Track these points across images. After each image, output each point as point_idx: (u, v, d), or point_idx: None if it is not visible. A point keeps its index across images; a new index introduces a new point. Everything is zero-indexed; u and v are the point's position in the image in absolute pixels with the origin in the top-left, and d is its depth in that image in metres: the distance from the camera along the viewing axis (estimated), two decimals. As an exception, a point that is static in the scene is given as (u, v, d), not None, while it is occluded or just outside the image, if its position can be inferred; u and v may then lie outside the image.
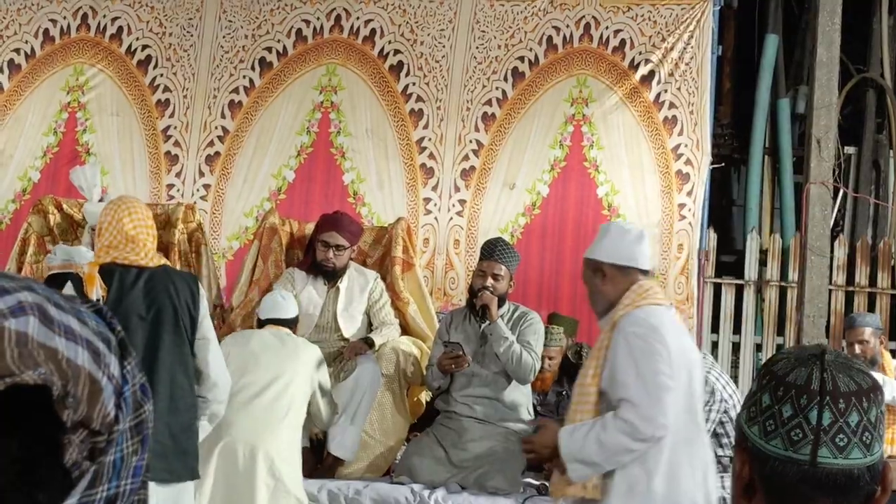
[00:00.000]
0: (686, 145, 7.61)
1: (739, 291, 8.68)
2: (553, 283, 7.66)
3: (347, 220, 6.41)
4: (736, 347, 8.71)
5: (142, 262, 4.29)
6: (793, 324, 8.10)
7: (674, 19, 7.71)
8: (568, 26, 7.82)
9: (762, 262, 8.74)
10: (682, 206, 7.58)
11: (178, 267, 6.09)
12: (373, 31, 7.95)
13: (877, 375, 6.35)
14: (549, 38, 7.82)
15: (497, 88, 7.79)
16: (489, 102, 7.78)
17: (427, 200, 7.70)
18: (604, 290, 3.80)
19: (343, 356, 6.09)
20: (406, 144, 7.78)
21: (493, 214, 7.64)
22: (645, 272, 3.81)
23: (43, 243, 6.33)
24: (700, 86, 7.65)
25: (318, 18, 8.02)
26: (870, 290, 8.66)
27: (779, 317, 8.63)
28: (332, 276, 6.24)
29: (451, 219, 7.66)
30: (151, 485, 3.93)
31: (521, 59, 7.81)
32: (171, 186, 7.89)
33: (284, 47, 8.00)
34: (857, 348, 6.65)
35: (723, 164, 9.23)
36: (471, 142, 7.75)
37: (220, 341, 4.86)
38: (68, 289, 4.21)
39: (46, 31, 8.20)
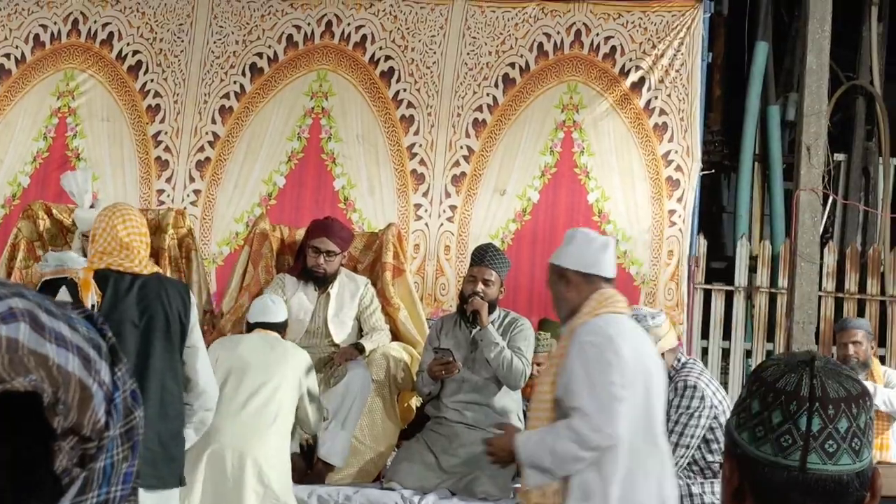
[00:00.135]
0: (676, 152, 7.63)
1: (729, 298, 8.69)
2: (543, 289, 7.63)
3: (338, 225, 6.41)
4: (726, 353, 8.72)
5: (136, 268, 4.32)
6: (782, 330, 8.11)
7: (664, 26, 7.73)
8: (559, 33, 7.83)
9: (752, 269, 8.75)
10: (672, 212, 7.59)
11: (168, 272, 6.09)
12: (364, 37, 7.96)
13: (869, 383, 6.37)
14: (540, 45, 7.83)
15: (488, 95, 7.80)
16: (480, 109, 7.79)
17: (418, 206, 7.70)
18: (567, 297, 3.84)
19: (333, 362, 6.09)
20: (397, 150, 7.78)
21: (484, 220, 7.64)
22: (609, 280, 3.82)
23: (32, 248, 6.32)
24: (690, 92, 7.66)
25: (308, 24, 8.02)
26: (859, 297, 8.68)
27: (768, 323, 8.64)
28: (322, 281, 6.24)
29: (442, 225, 7.67)
30: (139, 491, 3.93)
31: (512, 65, 7.82)
32: (161, 192, 7.88)
33: (275, 53, 8.00)
34: (851, 349, 6.67)
35: (713, 171, 9.25)
36: (461, 148, 7.76)
37: (208, 347, 4.88)
38: (63, 294, 4.22)
39: (37, 36, 8.19)
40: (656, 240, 7.57)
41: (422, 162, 7.76)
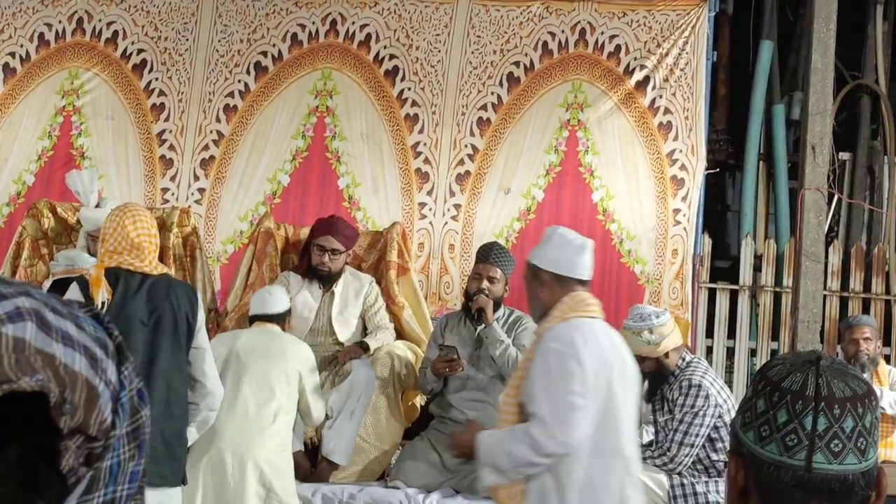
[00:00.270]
0: (681, 151, 7.62)
1: (734, 297, 8.68)
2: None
3: (343, 224, 6.41)
4: (730, 352, 8.71)
5: (145, 268, 4.37)
6: (787, 329, 8.11)
7: (669, 25, 7.72)
8: (563, 31, 7.83)
9: (757, 268, 8.74)
10: (676, 211, 7.59)
11: (172, 270, 6.10)
12: (368, 35, 7.96)
13: (877, 386, 6.36)
14: (545, 44, 7.83)
15: (492, 93, 7.80)
16: (484, 107, 7.79)
17: (422, 205, 7.70)
18: (540, 297, 3.82)
19: (338, 360, 6.09)
20: (401, 149, 7.79)
21: (489, 219, 7.64)
22: (583, 282, 3.80)
23: (37, 247, 6.32)
24: (695, 91, 7.66)
25: (313, 23, 8.02)
26: (864, 296, 8.67)
27: (773, 322, 8.64)
28: (327, 280, 6.24)
29: (446, 223, 7.66)
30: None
31: (517, 64, 7.82)
32: (165, 190, 7.88)
33: (280, 51, 8.00)
34: (862, 345, 6.64)
35: (717, 170, 9.24)
36: (466, 146, 7.75)
37: None
38: (74, 290, 4.27)
39: (42, 34, 8.20)
40: (661, 239, 7.56)
41: (426, 161, 7.76)
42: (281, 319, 5.55)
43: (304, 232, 6.58)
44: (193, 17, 8.08)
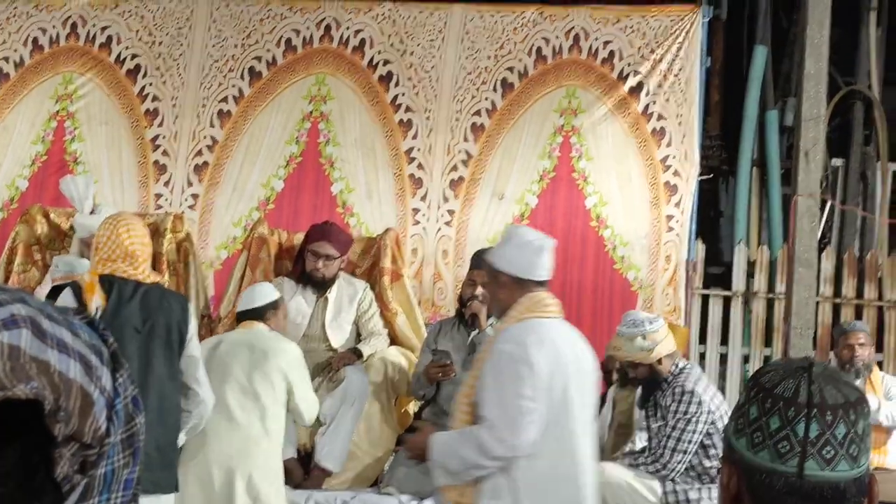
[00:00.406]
0: (674, 157, 7.64)
1: (727, 303, 8.69)
2: (541, 293, 7.66)
3: (337, 230, 6.41)
4: (723, 359, 8.71)
5: (139, 276, 4.40)
6: (780, 335, 8.11)
7: (663, 31, 7.74)
8: (557, 37, 7.84)
9: (750, 274, 8.75)
10: (670, 217, 7.60)
11: (166, 277, 6.11)
12: (362, 41, 7.97)
13: (873, 398, 6.35)
14: (539, 49, 7.84)
15: (486, 99, 7.81)
16: (478, 113, 7.80)
17: (416, 211, 7.70)
18: (499, 297, 3.84)
19: (331, 366, 6.08)
20: (395, 155, 7.79)
21: (482, 225, 7.65)
22: (543, 283, 3.81)
23: (30, 252, 6.31)
24: (689, 97, 7.68)
25: (307, 28, 8.03)
26: (857, 302, 8.68)
27: (766, 328, 8.64)
28: (321, 286, 6.24)
29: (440, 229, 7.67)
30: (137, 495, 3.98)
31: (511, 69, 7.83)
32: (159, 196, 7.88)
33: (274, 57, 8.00)
34: (857, 351, 6.64)
35: (711, 176, 9.25)
36: (460, 152, 7.76)
37: None
38: (67, 296, 4.28)
39: (35, 39, 8.19)
40: (654, 245, 7.57)
41: (420, 166, 7.76)
42: (265, 313, 5.34)
43: (298, 237, 6.58)
44: (188, 23, 8.09)
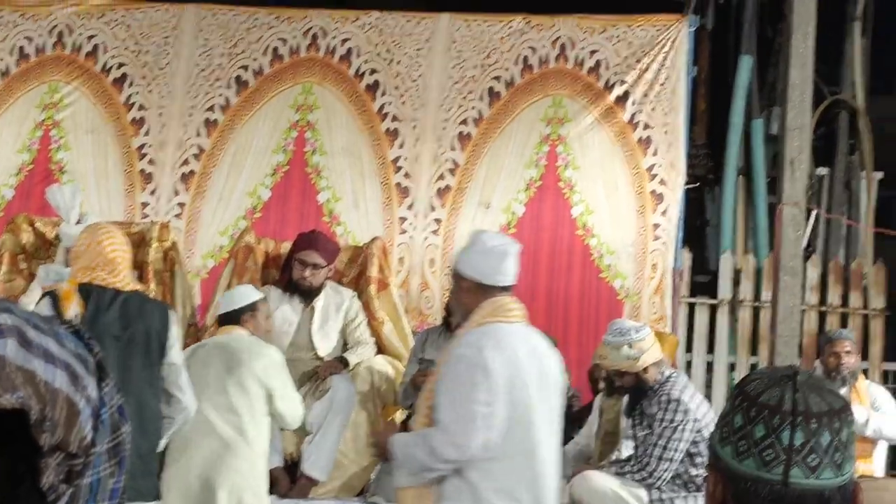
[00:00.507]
0: (661, 165, 7.65)
1: (713, 311, 8.71)
2: (528, 302, 7.61)
3: (324, 238, 6.41)
4: (710, 367, 8.73)
5: (118, 284, 4.39)
6: (766, 343, 8.13)
7: (649, 40, 7.76)
8: (544, 47, 7.86)
9: (736, 282, 8.77)
10: (656, 226, 7.61)
11: (152, 286, 6.10)
12: (349, 50, 7.97)
13: (862, 409, 6.35)
14: (525, 59, 7.85)
15: (473, 108, 7.82)
16: (465, 122, 7.81)
17: (402, 220, 7.70)
18: (462, 301, 3.86)
19: (318, 375, 6.08)
20: (382, 164, 7.79)
21: (469, 234, 7.64)
22: (506, 288, 3.81)
23: (16, 261, 6.29)
24: (675, 106, 7.70)
25: (294, 37, 8.03)
26: (842, 310, 8.71)
27: (752, 336, 8.66)
28: (308, 294, 6.23)
29: (427, 238, 7.67)
30: None
31: (498, 78, 7.84)
32: (145, 205, 7.86)
33: (261, 66, 8.00)
34: (843, 359, 6.64)
35: (697, 185, 9.28)
36: (447, 161, 7.77)
37: None
38: (45, 305, 4.27)
39: (21, 48, 8.17)
40: (640, 253, 7.58)
41: (407, 175, 7.77)
42: (242, 315, 5.23)
43: (285, 246, 6.57)
44: (174, 32, 8.08)
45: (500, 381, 3.60)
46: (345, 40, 7.99)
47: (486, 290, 3.76)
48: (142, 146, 7.94)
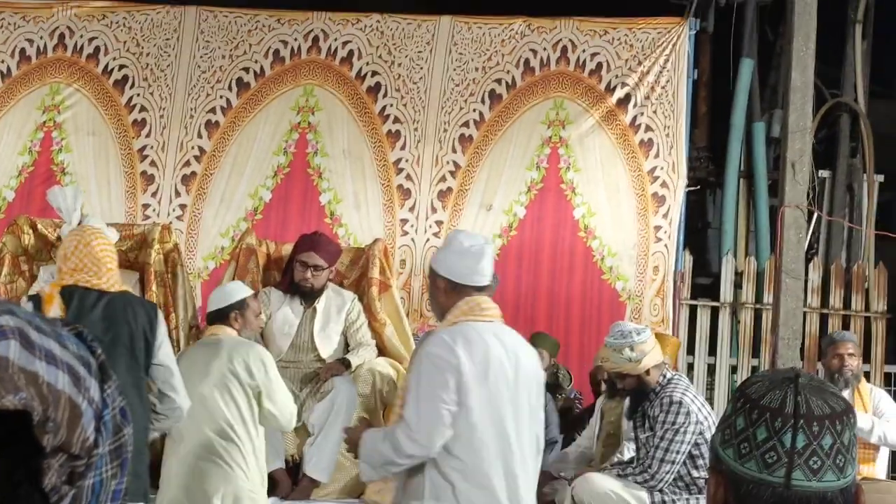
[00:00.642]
0: (662, 168, 7.66)
1: (715, 313, 8.70)
2: (530, 304, 7.68)
3: (326, 240, 6.41)
4: (711, 369, 8.73)
5: (103, 286, 4.37)
6: (768, 346, 8.13)
7: (650, 43, 7.77)
8: (545, 49, 7.86)
9: (737, 285, 8.77)
10: (657, 228, 7.61)
11: (153, 287, 6.10)
12: (350, 52, 7.97)
13: (867, 417, 6.33)
14: (527, 61, 7.86)
15: (474, 110, 7.82)
16: (466, 124, 7.81)
17: (404, 221, 7.70)
18: (438, 300, 3.90)
19: (319, 377, 6.08)
20: (383, 165, 7.79)
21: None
22: (481, 288, 3.84)
23: (17, 263, 6.29)
24: (676, 109, 7.70)
25: (295, 39, 8.03)
26: (844, 313, 8.71)
27: (754, 339, 8.66)
28: (309, 296, 6.23)
29: (428, 240, 7.67)
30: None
31: (499, 81, 7.85)
32: (146, 206, 7.87)
33: (262, 68, 8.01)
34: (846, 360, 6.63)
35: (698, 187, 9.28)
36: (448, 163, 7.77)
37: None
38: (28, 308, 4.25)
39: (23, 50, 8.18)
40: (642, 255, 7.59)
41: (408, 177, 7.77)
42: (229, 314, 5.08)
43: (287, 248, 6.57)
44: (175, 34, 8.08)
45: (468, 379, 3.64)
46: (346, 42, 7.99)
47: (460, 290, 3.81)
48: (143, 148, 7.95)
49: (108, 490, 0.84)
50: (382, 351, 6.45)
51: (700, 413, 5.37)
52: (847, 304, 8.72)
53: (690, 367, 8.58)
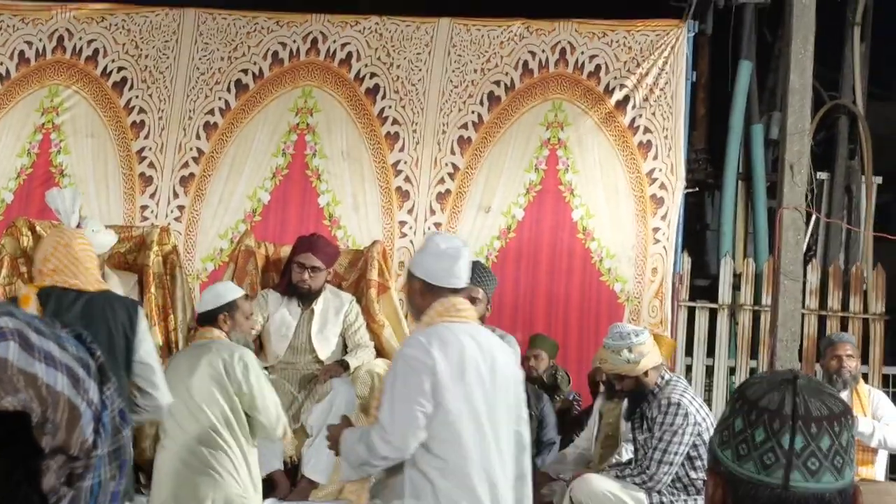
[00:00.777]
0: (660, 170, 7.66)
1: (713, 315, 8.71)
2: (528, 306, 7.68)
3: (323, 241, 6.41)
4: (710, 371, 8.73)
5: (81, 285, 4.36)
6: (766, 347, 8.13)
7: (648, 45, 7.77)
8: (544, 51, 7.86)
9: (736, 287, 8.77)
10: (656, 230, 7.61)
11: (152, 289, 6.09)
12: (349, 54, 7.97)
13: (867, 421, 6.33)
14: (525, 63, 7.86)
15: (473, 112, 7.82)
16: (465, 126, 7.81)
17: (402, 223, 7.70)
18: (414, 301, 3.94)
19: (318, 378, 6.08)
20: (382, 167, 7.79)
21: (469, 238, 7.64)
22: (457, 290, 3.85)
23: (16, 265, 6.29)
24: (674, 111, 7.70)
25: (294, 41, 8.03)
26: (842, 315, 8.71)
27: (752, 340, 8.66)
28: (307, 297, 6.24)
29: (427, 242, 7.66)
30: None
31: (497, 83, 7.85)
32: (144, 208, 7.86)
33: (260, 69, 8.01)
34: (845, 362, 6.63)
35: (697, 189, 9.29)
36: (446, 165, 7.77)
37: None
38: None
39: (22, 52, 8.18)
40: (640, 257, 7.59)
41: (407, 179, 7.77)
42: (217, 316, 4.96)
43: (285, 250, 6.58)
44: (174, 35, 8.08)
45: (443, 380, 3.67)
46: (344, 44, 7.99)
47: (436, 291, 3.84)
48: (141, 149, 7.95)
49: (107, 492, 0.84)
50: (381, 352, 6.46)
51: (698, 414, 5.37)
52: (845, 305, 8.72)
53: (689, 368, 8.59)
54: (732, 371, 8.73)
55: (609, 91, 7.75)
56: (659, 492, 5.35)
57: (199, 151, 7.92)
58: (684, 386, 5.53)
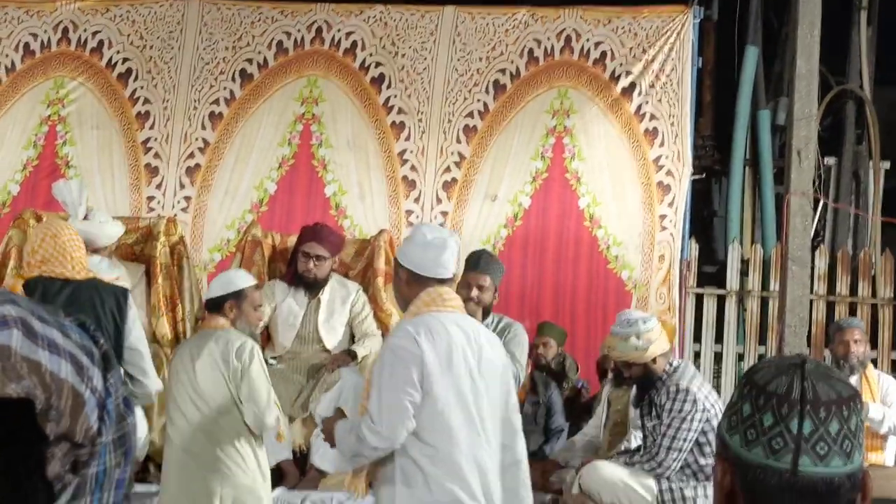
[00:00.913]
0: (667, 157, 7.64)
1: (721, 301, 8.70)
2: (535, 294, 7.67)
3: (328, 230, 6.42)
4: (718, 357, 8.73)
5: (68, 274, 4.38)
6: (774, 333, 8.12)
7: (654, 31, 7.74)
8: (549, 39, 7.84)
9: (744, 273, 8.76)
10: (663, 217, 7.60)
11: (159, 280, 6.11)
12: (354, 43, 7.96)
13: (878, 407, 6.33)
14: (531, 51, 7.84)
15: (478, 101, 7.81)
16: (471, 115, 7.80)
17: (409, 213, 7.70)
18: (401, 291, 3.95)
19: (325, 368, 6.09)
20: (388, 157, 7.79)
21: (475, 226, 7.65)
22: (444, 281, 3.86)
23: (23, 256, 6.31)
24: (681, 97, 7.68)
25: (298, 30, 8.03)
26: (850, 300, 8.70)
27: (760, 326, 8.66)
28: (313, 287, 6.24)
29: (434, 230, 7.66)
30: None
31: (503, 71, 7.83)
32: (151, 198, 7.87)
33: (265, 59, 8.00)
34: (852, 347, 6.63)
35: (704, 176, 9.26)
36: (452, 154, 7.76)
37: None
38: None
39: (27, 44, 8.18)
40: (648, 244, 7.58)
41: (413, 168, 7.76)
42: (223, 304, 4.83)
43: (292, 240, 6.58)
44: (178, 26, 8.08)
45: (433, 369, 3.69)
46: (349, 33, 7.98)
47: (422, 281, 3.85)
48: (147, 140, 7.95)
49: (112, 479, 0.84)
50: (388, 342, 6.45)
51: (707, 400, 5.37)
52: (854, 291, 8.71)
53: (697, 355, 8.59)
54: (741, 357, 8.73)
55: (615, 78, 7.73)
56: (668, 478, 5.35)
57: (205, 142, 7.92)
58: (692, 372, 5.53)
